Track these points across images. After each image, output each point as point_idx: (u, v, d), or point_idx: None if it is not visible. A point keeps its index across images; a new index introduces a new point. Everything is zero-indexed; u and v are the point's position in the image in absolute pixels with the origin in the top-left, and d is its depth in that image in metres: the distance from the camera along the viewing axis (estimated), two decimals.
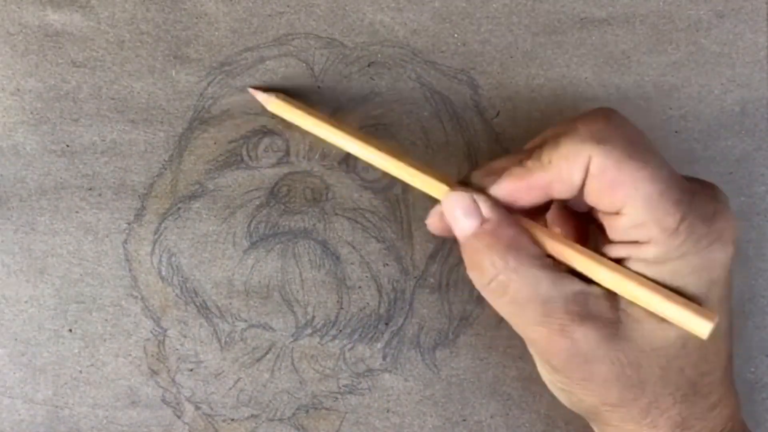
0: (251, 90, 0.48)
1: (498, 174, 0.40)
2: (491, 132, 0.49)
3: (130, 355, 0.48)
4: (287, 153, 0.48)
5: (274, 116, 0.48)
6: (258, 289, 0.48)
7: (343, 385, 0.48)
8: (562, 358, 0.39)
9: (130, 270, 0.48)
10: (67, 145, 0.49)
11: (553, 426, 0.48)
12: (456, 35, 0.49)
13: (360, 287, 0.48)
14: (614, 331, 0.38)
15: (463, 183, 0.42)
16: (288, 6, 0.49)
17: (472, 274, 0.41)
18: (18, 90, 0.49)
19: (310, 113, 0.46)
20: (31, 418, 0.48)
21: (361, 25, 0.49)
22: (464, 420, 0.48)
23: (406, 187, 0.48)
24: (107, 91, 0.49)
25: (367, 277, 0.48)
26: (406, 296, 0.48)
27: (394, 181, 0.48)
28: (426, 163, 0.44)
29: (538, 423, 0.48)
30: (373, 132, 0.49)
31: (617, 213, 0.38)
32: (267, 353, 0.48)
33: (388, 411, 0.48)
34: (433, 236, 0.46)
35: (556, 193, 0.39)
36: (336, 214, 0.48)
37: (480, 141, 0.49)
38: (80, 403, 0.48)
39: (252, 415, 0.48)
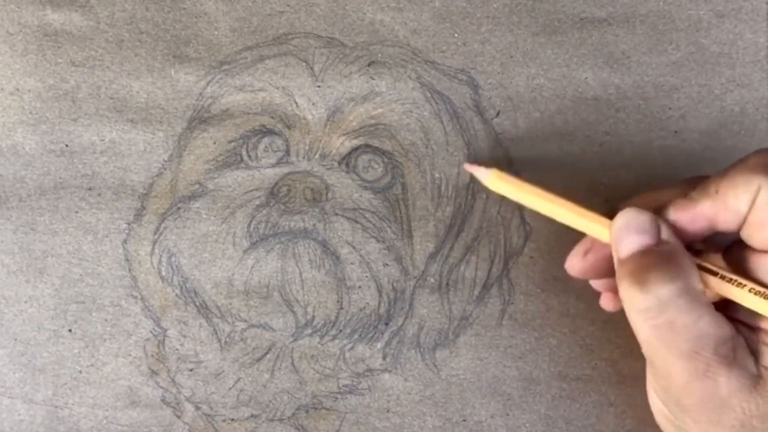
0: (467, 166, 0.47)
1: (651, 206, 0.40)
2: (491, 132, 0.49)
3: (130, 355, 0.48)
4: (287, 153, 0.48)
5: (273, 117, 0.48)
6: (258, 289, 0.48)
7: (343, 385, 0.48)
8: (697, 398, 0.38)
9: (129, 270, 0.48)
10: (67, 145, 0.49)
11: (553, 426, 0.48)
12: (456, 35, 0.49)
13: (360, 287, 0.48)
14: (754, 383, 0.38)
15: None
16: (288, 5, 0.49)
17: (630, 291, 0.39)
18: (17, 90, 0.49)
19: (528, 188, 0.44)
20: (30, 418, 0.48)
21: (362, 25, 0.49)
22: (464, 420, 0.48)
23: (405, 187, 0.48)
24: (106, 90, 0.49)
25: (367, 277, 0.48)
26: (406, 296, 0.48)
27: (394, 180, 0.48)
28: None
29: (538, 423, 0.48)
30: (372, 132, 0.48)
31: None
32: (267, 353, 0.48)
33: (388, 411, 0.48)
34: (434, 237, 0.46)
35: (722, 224, 0.38)
36: (336, 214, 0.48)
37: (480, 141, 0.49)
38: (80, 403, 0.48)
39: (252, 415, 0.48)
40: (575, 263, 0.43)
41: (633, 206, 0.40)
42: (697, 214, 0.39)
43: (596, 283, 0.44)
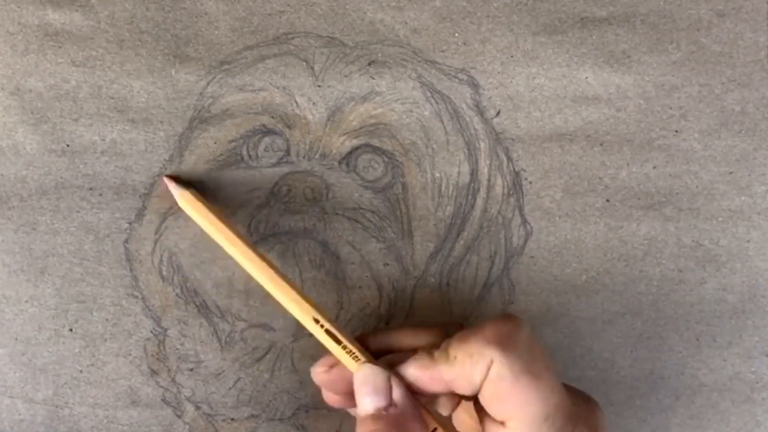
0: (165, 179, 0.47)
1: (399, 349, 0.42)
2: (491, 132, 0.49)
3: (130, 354, 0.48)
4: (287, 152, 0.48)
5: (273, 116, 0.48)
6: (258, 289, 0.48)
7: None
8: None
9: (130, 270, 0.48)
10: (68, 145, 0.49)
11: None
12: (456, 34, 0.49)
13: (360, 287, 0.48)
14: None
15: (362, 339, 0.43)
16: (288, 5, 0.49)
17: None
18: (18, 89, 0.49)
19: (212, 216, 0.45)
20: (31, 417, 0.48)
21: (362, 24, 0.49)
22: None
23: (406, 187, 0.48)
24: (107, 90, 0.49)
25: (367, 276, 0.48)
26: (407, 296, 0.48)
27: (394, 180, 0.48)
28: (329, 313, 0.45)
29: None
30: (373, 131, 0.48)
31: (502, 423, 0.39)
32: (267, 353, 0.48)
33: None
34: (434, 237, 0.46)
35: (458, 388, 0.40)
36: (336, 214, 0.48)
37: (480, 141, 0.49)
38: (80, 402, 0.48)
39: (252, 415, 0.48)
40: (319, 373, 0.43)
41: (367, 365, 0.41)
42: (435, 376, 0.40)
43: (332, 399, 0.44)
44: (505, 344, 0.38)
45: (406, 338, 0.43)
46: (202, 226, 0.45)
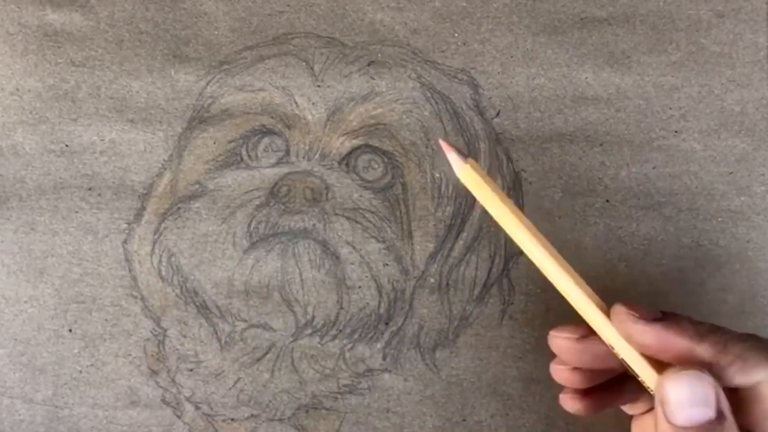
0: (443, 143, 0.40)
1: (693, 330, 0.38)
2: (491, 132, 0.49)
3: (130, 355, 0.48)
4: (287, 153, 0.48)
5: (273, 117, 0.48)
6: (258, 289, 0.48)
7: (343, 385, 0.48)
8: None
9: (130, 270, 0.48)
10: (67, 145, 0.49)
11: (553, 426, 0.48)
12: (456, 35, 0.49)
13: (360, 287, 0.48)
14: None
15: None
16: (288, 5, 0.49)
17: None
18: (17, 90, 0.49)
19: (497, 192, 0.40)
20: (31, 418, 0.48)
21: (361, 25, 0.49)
22: (464, 420, 0.48)
23: (405, 187, 0.48)
24: (106, 90, 0.49)
25: (367, 277, 0.48)
26: (406, 296, 0.48)
27: (394, 180, 0.48)
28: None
29: (538, 423, 0.48)
30: (372, 132, 0.48)
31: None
32: (267, 353, 0.48)
33: (388, 411, 0.48)
34: (434, 237, 0.47)
35: (728, 378, 0.37)
36: (336, 214, 0.48)
37: (480, 141, 0.49)
38: (80, 403, 0.48)
39: (252, 415, 0.48)
40: (565, 339, 0.41)
41: (690, 368, 0.37)
42: (723, 359, 0.37)
43: (569, 377, 0.42)
44: None
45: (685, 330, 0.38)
46: (482, 202, 0.40)
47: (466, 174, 0.39)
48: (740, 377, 0.37)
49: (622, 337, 0.38)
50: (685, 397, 0.36)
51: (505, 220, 0.39)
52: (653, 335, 0.37)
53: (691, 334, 0.37)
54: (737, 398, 0.37)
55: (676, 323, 0.38)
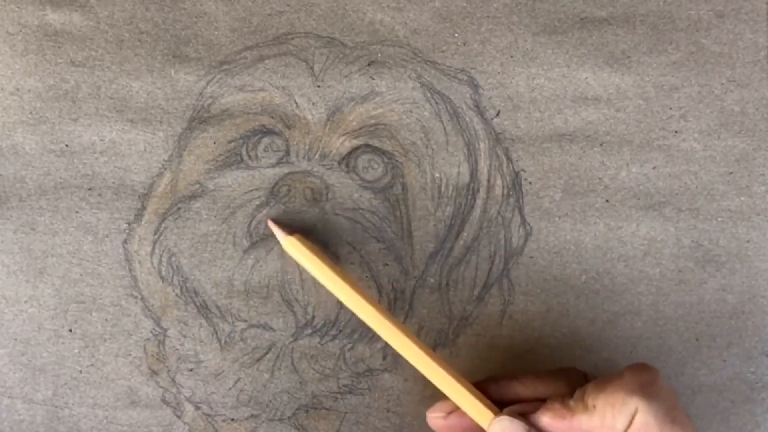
0: (270, 222, 0.47)
1: (522, 399, 0.42)
2: (491, 132, 0.49)
3: (130, 355, 0.48)
4: (287, 153, 0.48)
5: (273, 117, 0.48)
6: (258, 289, 0.48)
7: (343, 385, 0.48)
8: None
9: (130, 270, 0.48)
10: (67, 145, 0.49)
11: None
12: (456, 35, 0.49)
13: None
14: None
15: (482, 387, 0.43)
16: (288, 5, 0.49)
17: None
18: (17, 90, 0.49)
19: (323, 262, 0.45)
20: (31, 418, 0.48)
21: (361, 25, 0.49)
22: None
23: (405, 187, 0.48)
24: (106, 90, 0.49)
25: (367, 277, 0.48)
26: (406, 296, 0.48)
27: (394, 180, 0.48)
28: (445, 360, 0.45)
29: None
30: (372, 132, 0.48)
31: None
32: (267, 353, 0.48)
33: (388, 411, 0.48)
34: (434, 237, 0.47)
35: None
36: (336, 214, 0.48)
37: (480, 141, 0.49)
38: (80, 403, 0.48)
39: (252, 415, 0.48)
40: (435, 419, 0.44)
41: (508, 413, 0.41)
42: (573, 425, 0.40)
43: None
44: (648, 393, 0.38)
45: (528, 387, 0.43)
46: (309, 270, 0.45)
47: (291, 247, 0.45)
48: (612, 421, 0.39)
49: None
50: None
51: (333, 287, 0.45)
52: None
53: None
54: None
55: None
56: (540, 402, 0.41)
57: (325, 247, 0.48)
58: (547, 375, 0.43)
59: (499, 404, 0.43)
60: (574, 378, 0.42)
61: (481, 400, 0.42)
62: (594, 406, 0.39)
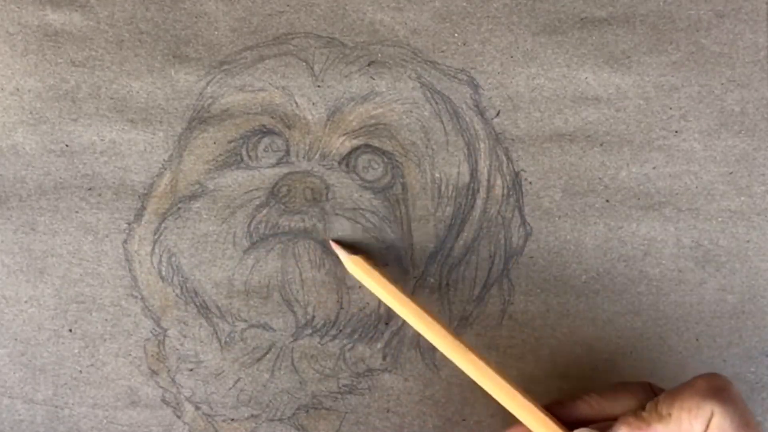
0: (333, 244, 0.47)
1: (595, 418, 0.42)
2: (491, 132, 0.49)
3: (130, 355, 0.48)
4: (287, 153, 0.48)
5: (273, 117, 0.48)
6: (258, 289, 0.48)
7: (343, 385, 0.48)
8: None
9: (130, 270, 0.48)
10: (67, 145, 0.49)
11: None
12: (456, 35, 0.49)
13: (360, 287, 0.48)
14: None
15: (551, 410, 0.43)
16: (288, 5, 0.49)
17: None
18: (17, 90, 0.49)
19: (384, 283, 0.46)
20: (31, 418, 0.48)
21: (361, 25, 0.49)
22: (464, 420, 0.48)
23: (405, 187, 0.48)
24: (106, 90, 0.49)
25: None
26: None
27: (394, 180, 0.48)
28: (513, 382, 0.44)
29: None
30: (372, 132, 0.48)
31: None
32: (267, 353, 0.48)
33: (388, 411, 0.48)
34: (434, 237, 0.47)
35: None
36: (336, 214, 0.48)
37: (480, 141, 0.49)
38: (80, 403, 0.48)
39: (252, 415, 0.48)
40: None
41: (587, 429, 0.42)
42: None
43: None
44: (723, 397, 0.38)
45: (595, 407, 0.43)
46: (372, 290, 0.46)
47: (354, 266, 0.46)
48: (689, 427, 0.39)
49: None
50: None
51: (398, 307, 0.45)
52: None
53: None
54: None
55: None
56: (610, 421, 0.42)
57: (326, 247, 0.48)
58: (612, 392, 0.43)
59: (569, 427, 0.43)
60: (640, 391, 0.43)
61: (556, 423, 0.42)
62: (669, 415, 0.39)
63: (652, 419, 0.40)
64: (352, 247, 0.47)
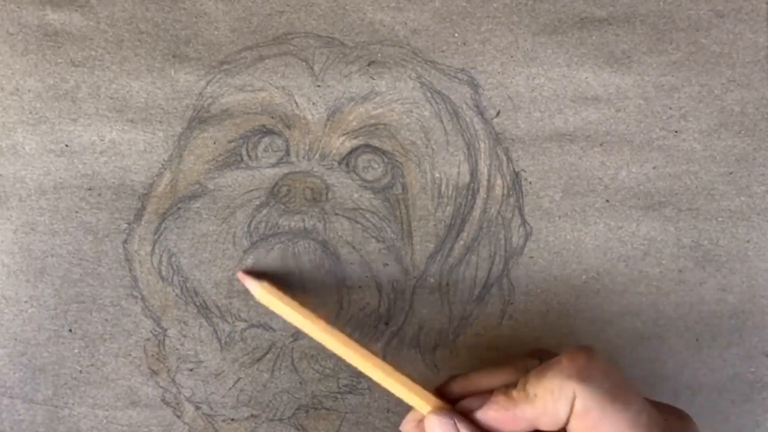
0: (239, 275, 0.47)
1: (479, 392, 0.42)
2: (491, 132, 0.49)
3: (130, 355, 0.48)
4: (287, 153, 0.48)
5: (273, 117, 0.48)
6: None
7: (343, 385, 0.48)
8: None
9: (130, 270, 0.48)
10: (66, 145, 0.49)
11: None
12: (456, 34, 0.49)
13: (360, 287, 0.48)
14: None
15: (442, 391, 0.43)
16: (288, 5, 0.49)
17: None
18: (17, 89, 0.49)
19: (293, 306, 0.45)
20: (31, 417, 0.48)
21: (361, 24, 0.49)
22: None
23: (405, 187, 0.48)
24: (106, 90, 0.49)
25: (367, 277, 0.48)
26: (406, 296, 0.48)
27: (394, 180, 0.48)
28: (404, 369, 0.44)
29: None
30: (372, 132, 0.48)
31: None
32: (267, 353, 0.48)
33: (388, 411, 0.48)
34: (434, 237, 0.47)
35: (543, 426, 0.39)
36: (336, 214, 0.48)
37: (480, 141, 0.49)
38: (80, 403, 0.48)
39: (252, 415, 0.48)
40: (410, 430, 0.43)
41: (438, 410, 0.41)
42: (518, 415, 0.39)
43: None
44: (583, 376, 0.38)
45: (483, 380, 0.43)
46: (283, 315, 0.45)
47: (263, 294, 0.45)
48: (551, 422, 0.39)
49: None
50: None
51: (308, 327, 0.44)
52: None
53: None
54: None
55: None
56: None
57: (326, 247, 0.48)
58: (502, 365, 0.43)
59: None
60: (522, 368, 0.42)
61: (426, 399, 0.42)
62: (535, 395, 0.39)
63: (519, 398, 0.39)
64: (263, 274, 0.47)
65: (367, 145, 0.48)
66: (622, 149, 0.49)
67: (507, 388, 0.40)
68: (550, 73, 0.49)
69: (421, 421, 0.43)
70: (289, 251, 0.48)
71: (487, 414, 0.40)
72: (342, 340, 0.44)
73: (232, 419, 0.48)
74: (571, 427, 0.38)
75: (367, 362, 0.43)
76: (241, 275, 0.47)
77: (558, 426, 0.39)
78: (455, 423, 0.40)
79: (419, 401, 0.42)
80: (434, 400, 0.42)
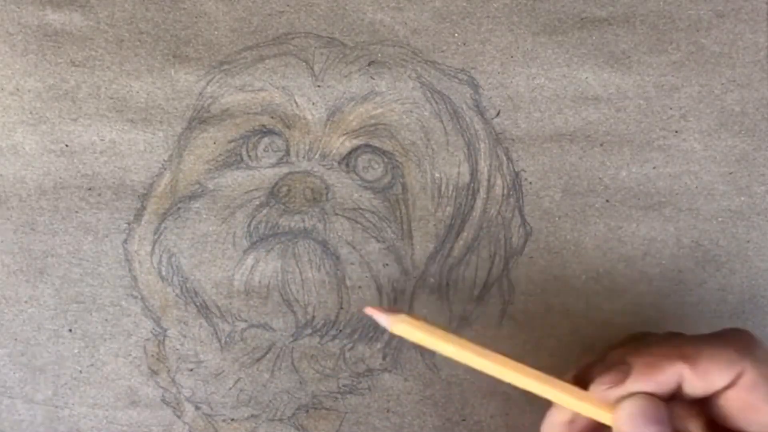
0: (368, 310, 0.40)
1: (620, 370, 0.39)
2: (491, 132, 0.49)
3: (130, 355, 0.48)
4: (287, 153, 0.48)
5: (273, 117, 0.48)
6: (258, 289, 0.48)
7: (343, 385, 0.48)
8: None
9: (130, 270, 0.48)
10: (66, 145, 0.49)
11: None
12: (456, 34, 0.49)
13: (360, 287, 0.48)
14: None
15: (581, 379, 0.40)
16: (288, 5, 0.49)
17: None
18: (17, 89, 0.49)
19: (439, 334, 0.39)
20: (31, 418, 0.48)
21: (362, 24, 0.49)
22: (464, 420, 0.48)
23: (405, 187, 0.48)
24: (106, 90, 0.49)
25: (367, 277, 0.48)
26: (406, 296, 0.48)
27: (394, 180, 0.48)
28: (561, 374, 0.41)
29: (538, 423, 0.48)
30: (372, 132, 0.48)
31: None
32: (267, 353, 0.48)
33: (388, 411, 0.48)
34: (434, 237, 0.47)
35: (689, 389, 0.38)
36: (336, 214, 0.48)
37: (480, 141, 0.49)
38: (80, 403, 0.48)
39: (252, 415, 0.48)
40: (563, 429, 0.41)
41: (640, 396, 0.39)
42: (668, 377, 0.38)
43: None
44: (756, 354, 0.38)
45: (621, 356, 0.40)
46: (426, 344, 0.39)
47: (401, 327, 0.39)
48: (714, 379, 0.38)
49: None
50: (639, 421, 0.38)
51: (459, 355, 0.39)
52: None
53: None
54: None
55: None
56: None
57: (326, 247, 0.48)
58: (620, 344, 0.41)
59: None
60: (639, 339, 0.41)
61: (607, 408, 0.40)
62: (695, 360, 0.38)
63: (672, 362, 0.38)
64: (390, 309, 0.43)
65: (367, 145, 0.48)
66: (622, 149, 0.49)
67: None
68: (550, 73, 0.49)
69: (572, 421, 0.41)
70: (289, 251, 0.48)
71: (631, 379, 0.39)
72: (503, 362, 0.40)
73: (232, 419, 0.48)
74: (726, 401, 0.38)
75: (537, 382, 0.40)
76: (369, 311, 0.40)
77: (706, 393, 0.38)
78: (664, 407, 0.38)
79: (599, 412, 0.40)
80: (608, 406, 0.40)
